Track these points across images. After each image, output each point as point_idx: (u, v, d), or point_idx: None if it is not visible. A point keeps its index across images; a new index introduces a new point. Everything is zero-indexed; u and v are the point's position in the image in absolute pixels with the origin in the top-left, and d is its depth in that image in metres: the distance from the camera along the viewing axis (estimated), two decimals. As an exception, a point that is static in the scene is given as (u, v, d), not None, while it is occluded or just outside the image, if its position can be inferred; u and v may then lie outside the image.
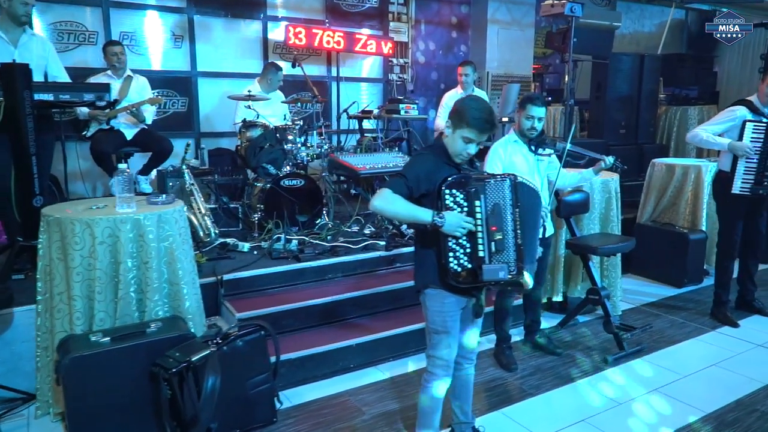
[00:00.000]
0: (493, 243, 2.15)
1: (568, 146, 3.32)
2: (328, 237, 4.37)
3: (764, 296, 4.53)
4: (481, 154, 3.58)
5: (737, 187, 3.93)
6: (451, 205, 2.17)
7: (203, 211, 3.94)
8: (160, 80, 5.83)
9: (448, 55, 7.73)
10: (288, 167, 4.61)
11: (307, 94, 6.46)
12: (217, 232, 4.01)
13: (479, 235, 2.16)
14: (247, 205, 4.70)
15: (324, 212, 4.63)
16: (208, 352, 2.54)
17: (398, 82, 7.43)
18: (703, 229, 5.04)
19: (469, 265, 2.17)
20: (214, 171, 5.05)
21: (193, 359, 2.51)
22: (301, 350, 3.30)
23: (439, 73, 7.76)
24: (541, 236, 3.39)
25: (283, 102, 4.95)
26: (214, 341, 2.63)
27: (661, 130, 7.62)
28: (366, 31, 6.92)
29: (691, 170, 5.11)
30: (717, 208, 4.28)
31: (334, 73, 6.78)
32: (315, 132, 5.23)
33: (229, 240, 4.25)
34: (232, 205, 4.75)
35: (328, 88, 6.83)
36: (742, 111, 3.96)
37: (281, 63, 5.71)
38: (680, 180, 5.19)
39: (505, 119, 4.79)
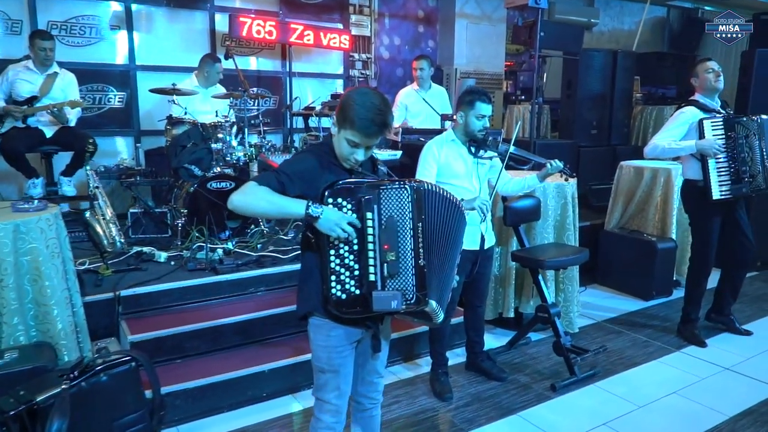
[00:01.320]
0: (385, 265, 1.74)
1: (512, 149, 2.93)
2: (258, 245, 3.97)
3: (735, 308, 4.16)
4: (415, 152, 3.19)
5: (716, 192, 3.53)
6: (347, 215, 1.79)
7: (108, 218, 3.52)
8: (93, 74, 5.40)
9: (415, 50, 7.33)
10: (218, 168, 4.19)
11: (265, 90, 6.11)
12: (122, 240, 3.59)
13: (370, 254, 1.75)
14: (174, 209, 4.28)
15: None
16: (58, 390, 2.13)
17: (360, 78, 7.03)
18: (673, 237, 4.67)
19: (357, 292, 1.76)
20: (144, 172, 4.63)
21: (38, 399, 2.10)
22: (204, 378, 2.88)
23: (405, 69, 7.34)
24: (478, 248, 3.04)
25: (213, 97, 4.52)
26: (70, 375, 2.21)
27: (636, 130, 7.26)
28: (324, 24, 6.51)
29: (661, 174, 4.74)
30: (690, 220, 3.88)
31: (289, 67, 6.36)
32: (261, 129, 4.82)
33: (145, 249, 3.84)
34: (158, 210, 4.33)
35: (283, 84, 6.41)
36: (691, 111, 3.61)
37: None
38: (649, 184, 4.81)
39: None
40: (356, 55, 6.95)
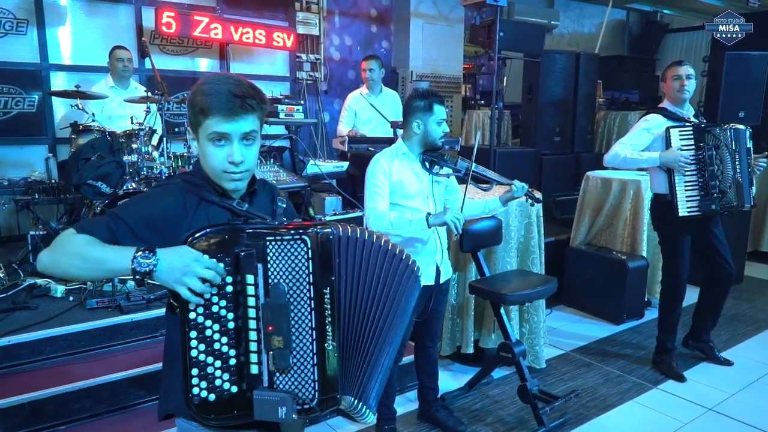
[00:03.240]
0: (271, 354, 1.23)
1: (473, 167, 2.47)
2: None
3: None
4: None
5: (684, 209, 3.18)
6: (200, 283, 1.20)
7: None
8: (-2, 74, 4.72)
9: (368, 51, 6.83)
10: (133, 183, 3.60)
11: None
12: (1, 275, 2.97)
13: (251, 335, 1.23)
14: (82, 232, 3.67)
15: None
16: None
17: (309, 81, 6.49)
18: (644, 254, 4.30)
19: (234, 389, 1.23)
20: (48, 188, 3.99)
21: None
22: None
23: (357, 71, 6.83)
24: (433, 282, 2.56)
25: (126, 101, 3.92)
26: None
27: (599, 137, 6.94)
28: (267, 21, 5.95)
29: (630, 185, 4.37)
30: (660, 240, 3.50)
31: (227, 68, 5.77)
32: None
33: (40, 281, 3.23)
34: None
35: (222, 87, 5.82)
36: (656, 119, 3.26)
37: (165, 57, 4.68)
38: (617, 197, 4.44)
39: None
40: (304, 56, 6.40)
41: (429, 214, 2.38)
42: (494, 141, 5.32)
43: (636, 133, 3.28)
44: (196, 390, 1.20)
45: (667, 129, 3.16)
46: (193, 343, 1.20)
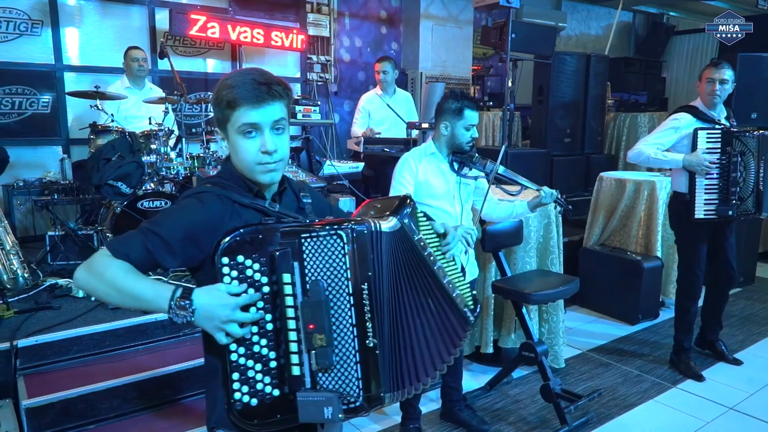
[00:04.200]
0: (313, 353, 1.20)
1: (500, 169, 2.48)
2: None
3: (725, 332, 3.83)
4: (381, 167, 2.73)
5: (701, 211, 3.19)
6: (235, 285, 1.19)
7: (9, 247, 2.91)
8: (13, 75, 4.73)
9: (377, 52, 6.85)
10: (151, 184, 3.62)
11: (209, 95, 5.53)
12: (26, 275, 2.98)
13: (291, 335, 1.20)
14: (101, 231, 3.68)
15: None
16: None
17: (319, 83, 6.50)
18: (658, 255, 4.31)
19: (276, 392, 1.21)
20: (67, 188, 4.00)
21: None
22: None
23: (367, 73, 6.87)
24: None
25: (145, 101, 3.94)
26: None
27: (609, 138, 6.96)
28: (278, 22, 5.97)
29: (644, 186, 4.38)
30: (676, 238, 3.52)
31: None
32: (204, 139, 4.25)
33: (60, 281, 3.24)
34: (82, 233, 3.72)
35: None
36: (686, 119, 3.25)
37: (177, 58, 4.68)
38: (632, 197, 4.45)
39: (426, 125, 3.95)
40: (314, 57, 6.42)
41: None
42: (506, 142, 5.33)
43: (663, 132, 3.28)
44: (237, 395, 1.18)
45: (696, 130, 3.15)
46: (233, 346, 1.19)
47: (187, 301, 1.17)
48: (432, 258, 1.41)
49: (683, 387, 3.32)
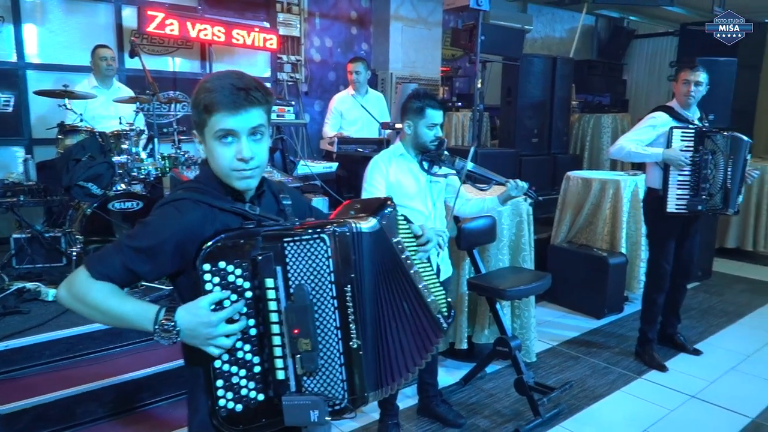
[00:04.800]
0: (298, 357, 1.21)
1: (469, 166, 2.53)
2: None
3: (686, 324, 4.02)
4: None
5: (672, 205, 3.35)
6: (217, 292, 1.19)
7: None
8: (-28, 73, 4.59)
9: (348, 53, 6.88)
10: (122, 185, 3.57)
11: (182, 94, 5.48)
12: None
13: (275, 340, 1.21)
14: (69, 233, 3.61)
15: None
16: None
17: (290, 83, 6.49)
18: (623, 251, 4.47)
19: (260, 396, 1.22)
20: (33, 189, 3.90)
21: None
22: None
23: (337, 73, 6.89)
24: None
25: (115, 101, 3.88)
26: None
27: (574, 139, 7.15)
28: (249, 22, 5.93)
29: (609, 185, 4.53)
30: (648, 233, 3.69)
31: (209, 69, 5.73)
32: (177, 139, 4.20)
33: (28, 285, 3.17)
34: (49, 235, 3.64)
35: (203, 87, 5.77)
36: (662, 118, 3.41)
37: (144, 57, 4.56)
38: (597, 196, 4.60)
39: (399, 126, 3.99)
40: (284, 57, 6.41)
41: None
42: (475, 141, 5.43)
43: (641, 129, 3.43)
44: (222, 402, 1.19)
45: (671, 129, 3.31)
46: (216, 352, 1.19)
47: (171, 323, 1.17)
48: (409, 261, 1.39)
49: (648, 377, 3.46)
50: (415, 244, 1.51)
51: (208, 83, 1.26)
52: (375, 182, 2.54)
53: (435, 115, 2.52)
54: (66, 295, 1.22)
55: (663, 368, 3.54)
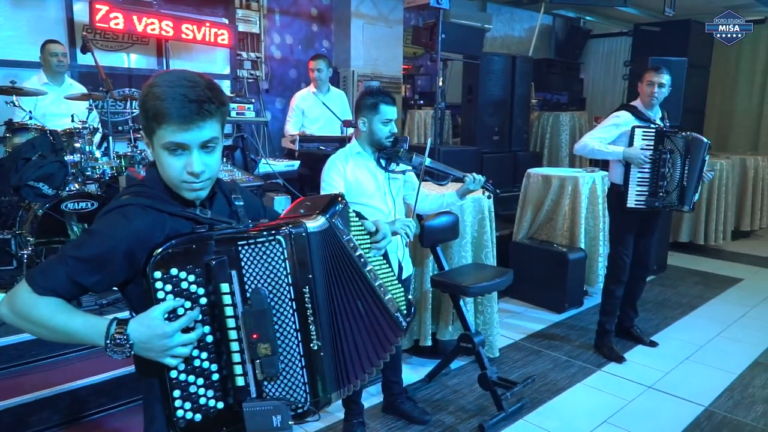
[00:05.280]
0: (258, 363, 1.18)
1: (427, 162, 2.54)
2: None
3: (642, 317, 4.14)
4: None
5: (632, 201, 3.47)
6: (170, 300, 1.14)
7: None
8: None
9: (309, 50, 6.82)
10: (76, 185, 3.44)
11: (137, 92, 5.31)
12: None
13: (233, 346, 1.18)
14: (19, 235, 3.46)
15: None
16: None
17: (250, 80, 6.39)
18: (582, 246, 4.57)
19: (220, 405, 1.19)
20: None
21: None
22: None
23: (298, 70, 6.82)
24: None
25: (67, 98, 3.74)
26: None
27: (534, 136, 7.28)
28: (206, 17, 5.81)
29: (568, 182, 4.63)
30: (610, 226, 3.83)
31: (165, 65, 5.59)
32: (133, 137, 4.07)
33: (-25, 290, 3.03)
34: (-2, 237, 3.49)
35: (160, 85, 5.62)
36: (626, 116, 3.52)
37: (98, 53, 4.40)
38: (557, 193, 4.69)
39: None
40: (244, 54, 6.31)
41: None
42: (437, 140, 5.46)
43: (605, 128, 3.54)
44: (180, 413, 1.15)
45: (633, 128, 3.42)
46: (172, 363, 1.15)
47: (123, 337, 1.12)
48: (363, 260, 1.36)
49: (607, 369, 3.55)
50: (368, 241, 1.48)
51: (157, 89, 1.16)
52: (333, 181, 2.52)
53: (389, 111, 2.50)
54: (8, 312, 1.16)
55: (621, 359, 3.64)
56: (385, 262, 1.50)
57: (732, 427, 2.90)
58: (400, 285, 1.50)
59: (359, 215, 1.48)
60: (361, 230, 1.45)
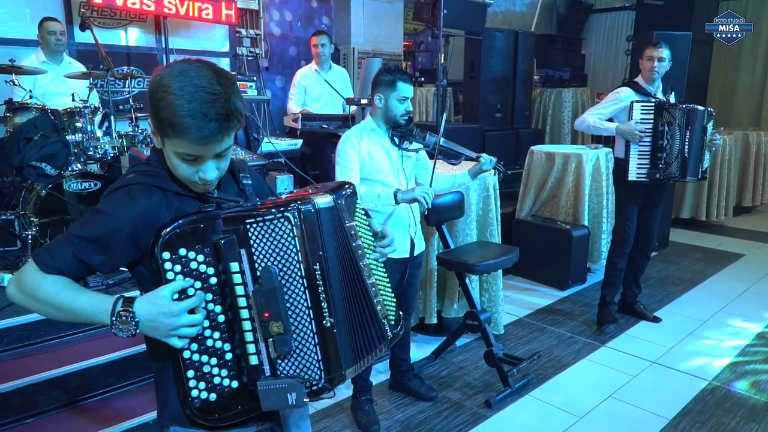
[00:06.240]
0: (271, 341, 1.17)
1: (441, 141, 2.53)
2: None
3: (645, 293, 4.15)
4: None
5: (633, 174, 3.50)
6: (180, 281, 1.14)
7: None
8: None
9: (308, 27, 6.72)
10: (78, 164, 3.42)
11: (137, 70, 5.26)
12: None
13: (245, 325, 1.17)
14: (23, 216, 3.45)
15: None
16: None
17: (249, 57, 6.30)
18: (586, 224, 4.57)
19: (234, 384, 1.19)
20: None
21: None
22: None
23: (298, 48, 6.73)
24: (408, 255, 2.62)
25: (66, 77, 3.69)
26: None
27: (536, 113, 7.23)
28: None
29: (572, 159, 4.61)
30: (615, 199, 3.89)
31: (164, 43, 5.51)
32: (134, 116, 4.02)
33: (-18, 270, 3.02)
34: (1, 218, 3.47)
35: (159, 63, 5.56)
36: (626, 92, 3.55)
37: (96, 30, 4.32)
38: (561, 170, 4.67)
39: (365, 101, 3.95)
40: (243, 31, 6.21)
41: (398, 190, 2.43)
42: (446, 111, 5.42)
43: (606, 104, 3.59)
44: (195, 392, 1.16)
45: (632, 102, 3.44)
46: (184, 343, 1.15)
47: (129, 314, 1.11)
48: (361, 252, 1.31)
49: (611, 345, 3.57)
50: (372, 240, 1.42)
51: (173, 98, 1.09)
52: (348, 156, 2.50)
53: (406, 89, 2.50)
54: (15, 291, 1.16)
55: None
56: (383, 267, 1.45)
57: (735, 400, 2.94)
58: (393, 295, 1.44)
59: (367, 213, 1.44)
60: (366, 226, 1.41)
